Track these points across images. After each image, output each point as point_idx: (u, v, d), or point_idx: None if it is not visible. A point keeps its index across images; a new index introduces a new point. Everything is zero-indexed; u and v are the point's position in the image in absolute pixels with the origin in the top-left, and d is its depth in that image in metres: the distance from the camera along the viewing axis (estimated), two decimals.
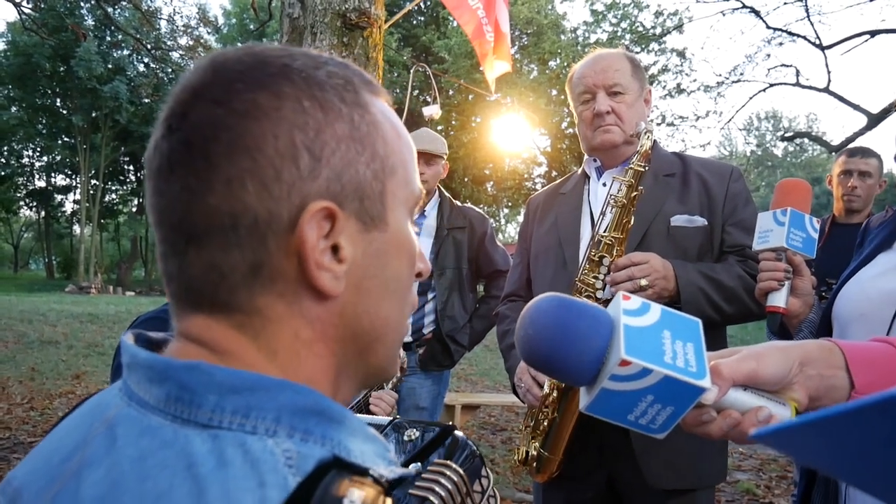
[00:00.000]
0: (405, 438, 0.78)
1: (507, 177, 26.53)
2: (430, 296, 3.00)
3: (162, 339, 0.58)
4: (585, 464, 1.67)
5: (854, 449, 0.32)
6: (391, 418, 0.83)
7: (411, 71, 5.55)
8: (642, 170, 1.58)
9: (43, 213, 38.68)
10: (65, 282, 30.67)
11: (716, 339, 1.75)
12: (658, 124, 24.99)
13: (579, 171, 1.95)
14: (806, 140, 25.50)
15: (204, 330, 0.53)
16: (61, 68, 29.11)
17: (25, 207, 40.43)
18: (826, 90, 13.63)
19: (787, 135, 25.05)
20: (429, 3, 24.18)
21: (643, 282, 1.53)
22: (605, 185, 1.80)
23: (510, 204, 28.82)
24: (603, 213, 1.64)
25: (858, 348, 0.79)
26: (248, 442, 0.45)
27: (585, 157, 1.91)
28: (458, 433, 0.77)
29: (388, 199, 0.55)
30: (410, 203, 0.59)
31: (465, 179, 26.47)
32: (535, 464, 1.65)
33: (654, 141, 1.77)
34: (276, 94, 0.51)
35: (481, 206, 26.62)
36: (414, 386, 2.96)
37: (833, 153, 13.85)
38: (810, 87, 14.28)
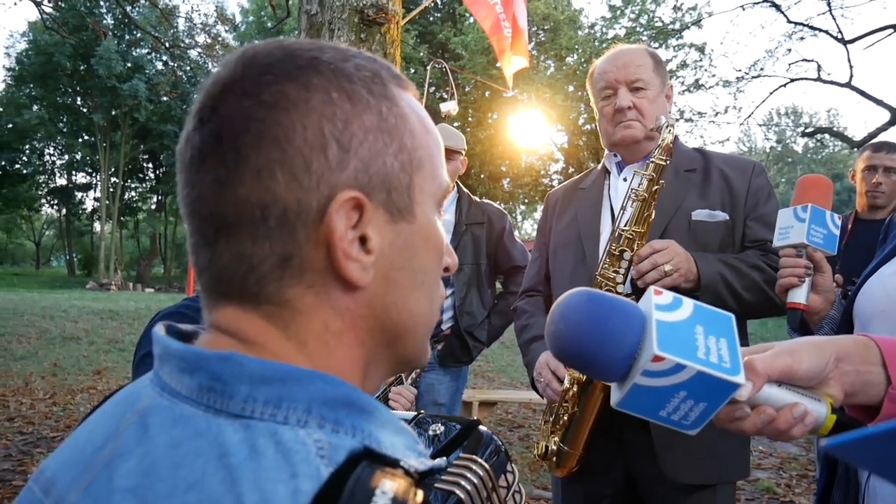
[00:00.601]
0: (430, 433, 0.78)
1: (523, 173, 26.48)
2: (448, 291, 2.99)
3: (192, 331, 0.58)
4: (604, 458, 1.67)
5: None
6: (415, 413, 0.82)
7: (428, 67, 5.54)
8: (664, 163, 1.57)
9: (64, 211, 39.18)
10: (85, 279, 31.05)
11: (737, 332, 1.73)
12: (676, 120, 24.72)
13: (599, 166, 1.94)
14: (827, 136, 25.18)
15: (234, 321, 0.53)
16: (82, 67, 29.46)
17: (47, 205, 41.02)
18: (848, 85, 13.45)
19: (807, 130, 24.74)
20: None
21: (667, 267, 1.52)
22: (625, 180, 1.79)
23: (527, 201, 28.78)
24: (623, 208, 1.63)
25: (895, 344, 0.77)
26: (279, 432, 0.45)
27: (606, 152, 1.90)
28: (483, 428, 0.76)
29: (415, 192, 0.56)
30: (438, 196, 0.59)
31: (482, 176, 26.45)
32: (554, 458, 1.64)
33: (676, 136, 1.75)
34: (304, 85, 0.51)
35: (498, 202, 26.56)
36: (432, 382, 2.96)
37: (855, 149, 13.67)
38: (832, 83, 14.10)
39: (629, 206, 1.61)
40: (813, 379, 0.73)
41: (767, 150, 31.04)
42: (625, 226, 1.59)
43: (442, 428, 0.77)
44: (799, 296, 1.39)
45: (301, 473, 0.43)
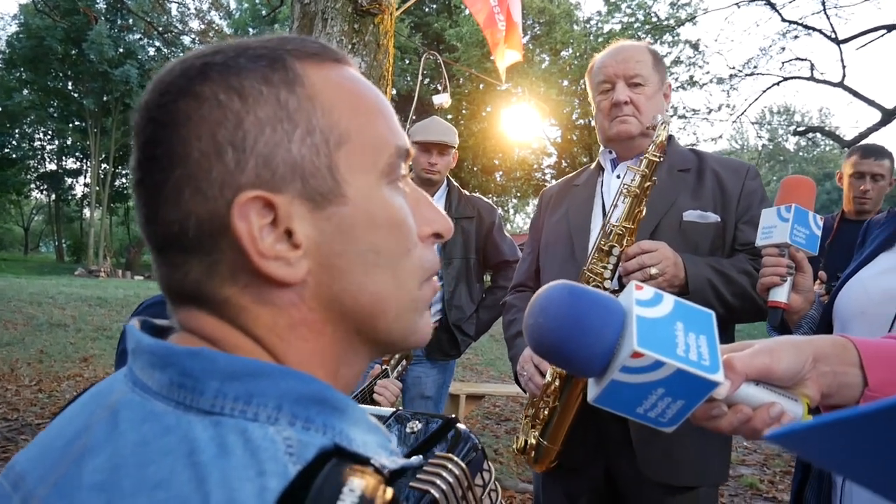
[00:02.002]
0: (407, 430, 0.77)
1: (516, 167, 26.46)
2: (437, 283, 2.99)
3: (167, 327, 0.59)
4: (584, 455, 1.67)
5: (870, 452, 0.31)
6: (394, 409, 0.82)
7: (422, 59, 5.51)
8: (657, 160, 1.57)
9: (53, 197, 38.90)
10: (74, 265, 30.88)
11: (724, 337, 1.73)
12: (672, 116, 24.79)
13: (594, 163, 1.94)
14: (818, 135, 25.30)
15: (192, 320, 0.54)
16: (73, 51, 29.17)
17: (36, 190, 40.67)
18: (840, 85, 13.50)
19: (799, 129, 24.84)
20: None
21: (653, 270, 1.52)
22: (618, 177, 1.79)
23: (519, 194, 28.76)
24: (615, 204, 1.62)
25: (873, 345, 0.77)
26: (249, 429, 0.45)
27: (601, 148, 1.89)
28: (461, 426, 0.76)
29: (340, 171, 0.53)
30: (382, 166, 0.55)
31: (475, 169, 26.42)
32: (533, 453, 1.64)
33: (671, 135, 1.75)
34: (195, 95, 0.51)
35: (490, 195, 26.58)
36: (419, 375, 2.96)
37: (846, 148, 13.73)
38: (825, 82, 14.15)
39: (620, 202, 1.60)
40: (791, 379, 0.73)
41: (759, 149, 31.12)
42: (615, 221, 1.59)
43: (420, 425, 0.76)
44: (780, 295, 1.40)
45: (268, 471, 0.43)
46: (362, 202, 0.54)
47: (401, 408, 0.83)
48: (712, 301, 1.58)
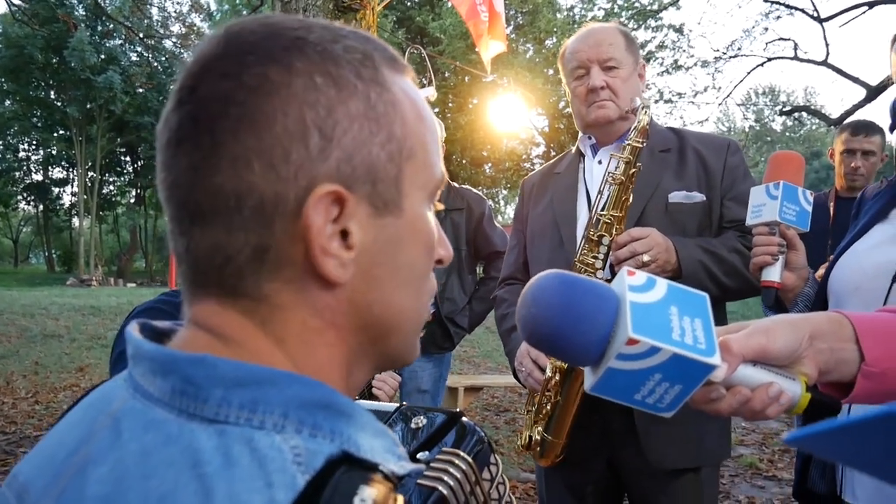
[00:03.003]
0: (412, 426, 0.77)
1: (505, 158, 26.44)
2: None
3: (169, 329, 0.57)
4: (587, 446, 1.67)
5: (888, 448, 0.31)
6: (397, 405, 0.81)
7: (406, 53, 5.49)
8: (640, 146, 1.56)
9: (41, 207, 38.57)
10: (66, 275, 30.68)
11: (716, 315, 1.73)
12: (656, 101, 24.86)
13: (573, 149, 1.92)
14: (805, 114, 25.38)
15: (212, 315, 0.51)
16: (54, 59, 28.87)
17: (23, 202, 40.32)
18: (824, 63, 13.54)
19: (785, 109, 24.94)
20: None
21: (645, 257, 1.51)
22: (600, 162, 1.78)
23: (509, 185, 28.75)
24: (601, 192, 1.61)
25: (868, 320, 0.77)
26: (255, 438, 0.44)
27: (580, 134, 1.88)
28: (466, 419, 0.75)
29: (404, 184, 0.53)
30: (430, 188, 0.57)
31: (463, 161, 26.39)
32: (538, 448, 1.64)
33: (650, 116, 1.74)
34: (287, 68, 0.49)
35: (480, 187, 26.56)
36: (415, 369, 2.96)
37: (832, 126, 13.78)
38: (808, 61, 14.20)
39: (606, 190, 1.60)
40: (787, 358, 0.72)
41: (746, 130, 31.21)
42: (602, 210, 1.58)
43: (424, 420, 0.76)
44: (773, 274, 1.40)
45: (276, 483, 0.41)
46: (413, 218, 0.54)
47: (404, 403, 0.83)
48: (706, 282, 1.58)
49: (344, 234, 0.50)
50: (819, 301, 1.41)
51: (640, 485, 1.67)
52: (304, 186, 0.48)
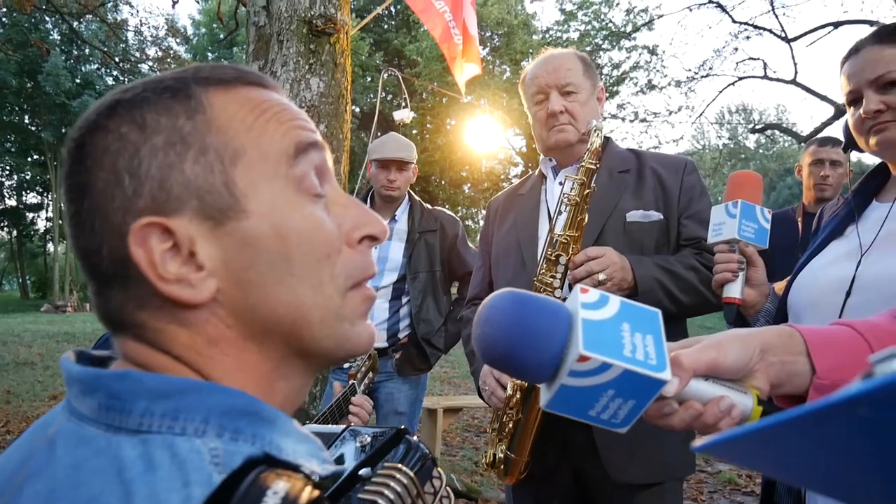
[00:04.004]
0: (358, 444, 0.78)
1: (483, 178, 26.58)
2: (404, 300, 2.99)
3: (106, 357, 0.60)
4: (550, 461, 1.68)
5: (796, 454, 0.32)
6: (345, 426, 0.83)
7: (381, 76, 5.54)
8: (593, 167, 1.60)
9: (15, 233, 38.04)
10: (40, 301, 30.18)
11: (676, 331, 1.77)
12: (631, 121, 25.19)
13: (536, 171, 1.97)
14: (776, 132, 25.85)
15: (125, 347, 0.56)
16: (28, 84, 28.67)
17: None
18: (793, 82, 13.82)
19: (757, 127, 25.36)
20: (399, 6, 24.18)
21: (601, 276, 1.54)
22: (561, 184, 1.82)
23: (488, 205, 28.85)
24: (559, 213, 1.64)
25: (818, 333, 0.78)
26: (176, 443, 0.47)
27: (541, 157, 1.92)
28: (411, 437, 0.77)
29: (239, 185, 0.54)
30: (284, 172, 0.56)
31: (442, 182, 26.48)
32: (502, 466, 1.65)
33: (608, 138, 1.79)
34: (102, 130, 0.54)
35: (459, 208, 26.65)
36: (391, 391, 2.95)
37: (803, 143, 14.05)
38: (778, 80, 14.47)
39: (563, 211, 1.63)
40: (739, 371, 0.74)
41: (721, 147, 31.66)
42: (559, 231, 1.61)
43: (369, 439, 0.77)
44: (734, 290, 1.43)
45: (193, 481, 0.44)
46: (267, 213, 0.54)
47: (352, 423, 0.84)
48: (662, 299, 1.61)
49: (193, 255, 0.52)
50: (779, 316, 1.44)
51: (606, 497, 1.69)
52: (125, 228, 0.52)
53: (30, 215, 38.01)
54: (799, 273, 1.41)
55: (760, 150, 42.91)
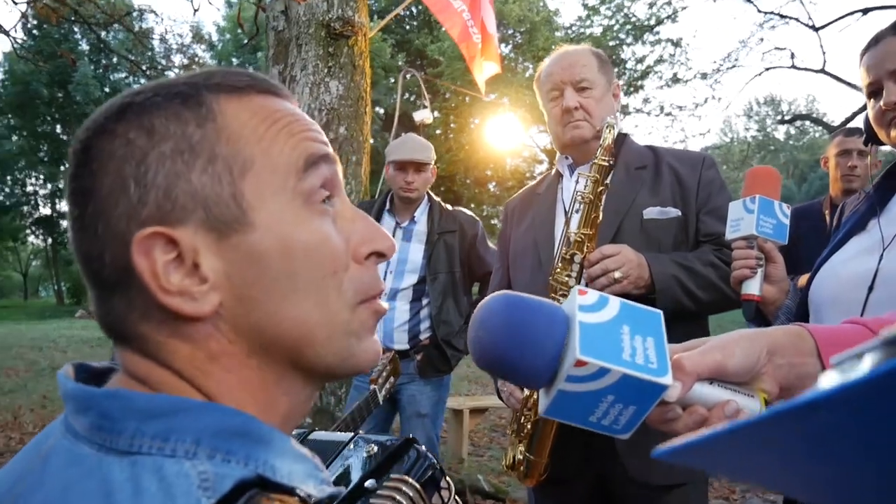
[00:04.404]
0: (365, 454, 0.77)
1: (508, 176, 26.50)
2: (424, 301, 2.98)
3: (107, 368, 0.59)
4: (572, 464, 1.66)
5: (762, 459, 0.31)
6: (353, 434, 0.82)
7: (399, 77, 5.54)
8: (606, 164, 1.58)
9: (50, 241, 38.87)
10: (75, 307, 30.78)
11: (697, 329, 1.73)
12: (657, 115, 24.92)
13: (553, 170, 1.95)
14: (807, 122, 25.39)
15: (125, 359, 0.55)
16: (59, 94, 29.30)
17: (32, 235, 40.68)
18: (822, 71, 13.57)
19: (786, 118, 24.94)
20: (420, 7, 24.22)
21: (617, 274, 1.52)
22: (577, 182, 1.80)
23: (505, 206, 28.77)
24: (574, 211, 1.63)
25: (829, 332, 0.75)
26: (164, 466, 0.46)
27: (557, 155, 1.90)
28: (419, 446, 0.76)
29: (247, 197, 0.52)
30: (293, 185, 0.54)
31: (467, 181, 26.46)
32: (522, 468, 1.63)
33: (625, 134, 1.76)
34: (110, 134, 0.53)
35: (484, 206, 26.61)
36: (414, 393, 2.95)
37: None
38: (806, 69, 14.24)
39: (578, 209, 1.61)
40: (745, 374, 0.70)
41: (749, 140, 31.21)
42: (574, 229, 1.59)
43: (376, 448, 0.76)
44: (752, 287, 1.40)
45: None
46: (273, 227, 0.52)
47: (360, 431, 0.83)
48: (680, 296, 1.58)
49: (197, 267, 0.51)
50: (800, 313, 1.41)
51: (629, 500, 1.66)
52: (129, 237, 0.50)
53: (63, 223, 38.79)
54: (820, 269, 1.38)
55: (791, 142, 42.21)
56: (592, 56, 1.81)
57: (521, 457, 1.63)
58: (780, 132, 41.10)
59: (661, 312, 0.70)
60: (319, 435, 0.86)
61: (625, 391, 0.64)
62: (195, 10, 4.87)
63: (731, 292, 1.49)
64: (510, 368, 0.68)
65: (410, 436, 0.78)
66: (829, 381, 0.23)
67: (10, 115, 30.72)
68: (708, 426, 0.70)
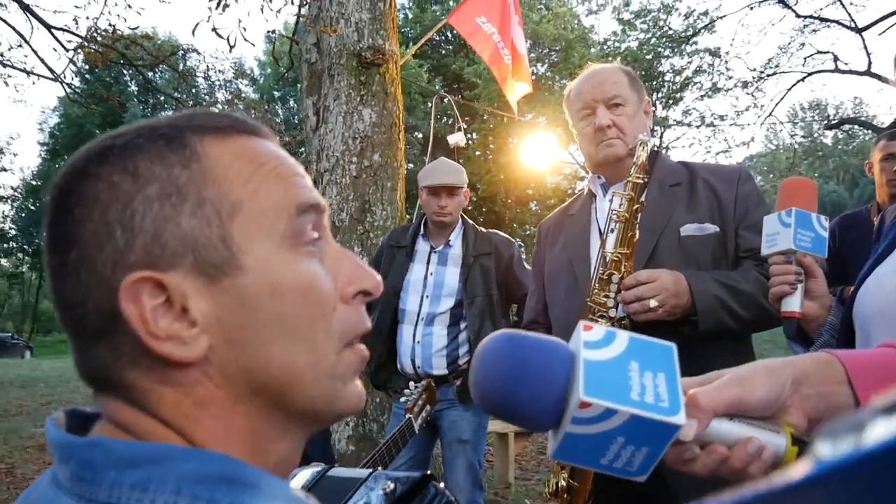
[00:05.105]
0: (382, 490, 0.75)
1: (550, 194, 26.44)
2: (462, 325, 2.96)
3: (97, 413, 0.58)
4: (617, 491, 1.60)
5: None
6: (371, 470, 0.80)
7: (433, 101, 5.59)
8: (641, 182, 1.55)
9: None
10: None
11: (741, 350, 1.68)
12: (698, 126, 24.57)
13: (585, 190, 1.93)
14: (855, 126, 24.68)
15: (107, 407, 0.53)
16: None
17: None
18: (868, 73, 13.20)
19: (832, 123, 24.30)
20: (454, 32, 24.49)
21: (652, 303, 1.49)
22: (611, 201, 1.77)
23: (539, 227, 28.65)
24: (609, 230, 1.60)
25: (861, 358, 0.70)
26: None
27: (590, 175, 1.88)
28: (437, 483, 0.74)
29: (236, 240, 0.51)
30: (281, 229, 0.53)
31: (508, 201, 26.47)
32: (566, 495, 1.59)
33: (658, 151, 1.73)
34: (93, 178, 0.51)
35: (526, 225, 26.54)
36: (455, 419, 2.91)
37: None
38: (850, 72, 13.86)
39: (613, 229, 1.58)
40: (769, 408, 0.66)
41: (795, 146, 30.44)
42: (610, 248, 1.56)
43: (392, 485, 0.75)
44: (793, 304, 1.34)
45: None
46: (262, 270, 0.52)
47: (379, 468, 0.82)
48: (723, 317, 1.54)
49: (186, 311, 0.50)
50: (845, 330, 1.34)
51: None
52: (115, 283, 0.49)
53: None
54: (863, 282, 1.31)
55: (839, 146, 41.08)
56: (623, 73, 1.78)
57: (564, 483, 1.59)
58: (828, 137, 40.04)
59: (673, 346, 0.65)
60: (338, 471, 0.85)
61: (635, 432, 0.60)
62: (231, 47, 4.99)
63: (775, 310, 1.43)
64: (514, 411, 0.64)
65: (428, 472, 0.76)
66: (820, 453, 0.20)
67: (65, 156, 31.98)
68: (729, 466, 0.65)
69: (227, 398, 0.52)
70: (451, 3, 25.60)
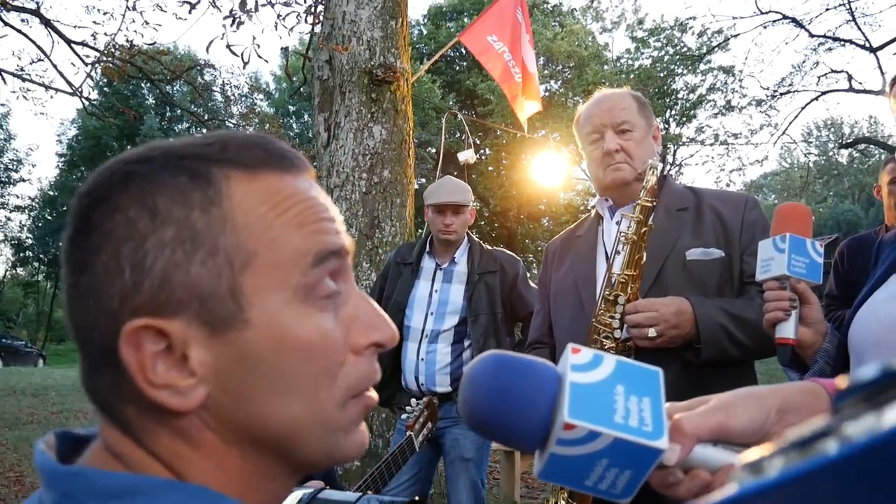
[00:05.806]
0: None
1: (562, 211, 26.40)
2: (466, 343, 2.96)
3: (92, 435, 0.58)
4: None
5: None
6: (360, 494, 0.81)
7: (443, 119, 5.62)
8: (650, 205, 1.56)
9: None
10: None
11: (745, 371, 1.70)
12: (711, 144, 24.51)
13: (592, 212, 1.95)
14: (870, 145, 24.52)
15: (105, 432, 0.53)
16: (128, 146, 30.79)
17: None
18: (882, 92, 13.13)
19: (846, 142, 24.14)
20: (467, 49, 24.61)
21: (651, 332, 1.50)
22: (617, 223, 1.79)
23: (545, 248, 28.57)
24: (616, 252, 1.61)
25: None
26: None
27: (597, 197, 1.90)
28: None
29: (245, 292, 0.49)
30: (295, 283, 0.51)
31: (521, 216, 26.44)
32: None
33: (665, 176, 1.75)
34: (112, 206, 0.50)
35: (538, 241, 26.50)
36: (457, 437, 2.91)
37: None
38: (865, 91, 13.80)
39: (621, 251, 1.60)
40: (753, 435, 0.66)
41: (810, 164, 30.29)
42: (617, 270, 1.58)
43: None
44: (787, 330, 1.33)
45: None
46: (268, 325, 0.50)
47: (369, 492, 0.83)
48: (727, 346, 1.55)
49: (186, 359, 0.49)
50: (840, 357, 1.33)
51: None
52: (118, 323, 0.48)
53: None
54: (859, 309, 1.30)
55: (854, 165, 40.79)
56: (632, 99, 1.81)
57: (563, 503, 1.59)
58: (843, 156, 39.79)
59: (659, 371, 0.67)
60: (328, 494, 0.86)
61: (619, 455, 0.61)
62: (245, 64, 5.06)
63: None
64: (500, 431, 0.65)
65: (416, 498, 0.77)
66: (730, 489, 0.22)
67: (83, 168, 32.41)
68: (711, 491, 0.66)
69: (221, 442, 0.51)
70: (465, 20, 25.77)
